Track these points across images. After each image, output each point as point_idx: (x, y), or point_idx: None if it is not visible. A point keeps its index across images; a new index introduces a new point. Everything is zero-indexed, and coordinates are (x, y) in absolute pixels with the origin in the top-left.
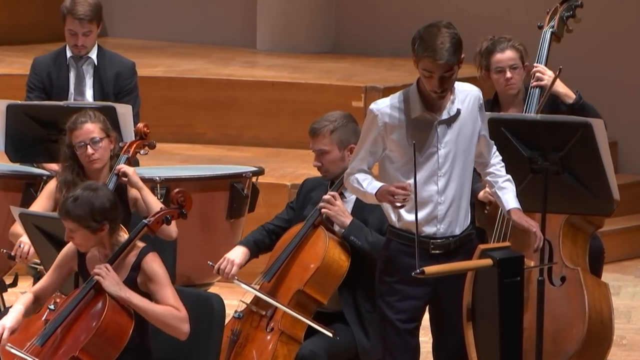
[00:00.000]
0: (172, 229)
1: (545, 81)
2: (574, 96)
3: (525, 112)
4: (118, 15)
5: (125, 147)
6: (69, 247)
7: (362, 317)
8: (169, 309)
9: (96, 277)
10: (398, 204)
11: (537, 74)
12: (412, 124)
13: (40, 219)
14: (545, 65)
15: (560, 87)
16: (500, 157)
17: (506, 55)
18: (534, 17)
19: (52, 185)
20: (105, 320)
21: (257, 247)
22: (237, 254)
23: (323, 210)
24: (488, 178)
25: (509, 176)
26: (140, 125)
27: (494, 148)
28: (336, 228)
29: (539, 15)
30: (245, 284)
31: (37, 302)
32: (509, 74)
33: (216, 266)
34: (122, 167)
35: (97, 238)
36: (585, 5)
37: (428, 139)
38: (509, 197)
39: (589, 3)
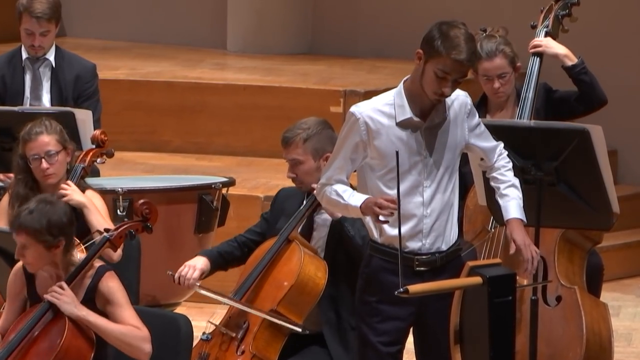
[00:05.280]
0: (115, 252)
1: (542, 47)
2: (575, 59)
3: (518, 116)
4: (77, 13)
5: (81, 156)
6: (14, 274)
7: (346, 334)
8: (129, 327)
9: (50, 299)
10: (382, 218)
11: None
12: (396, 129)
13: None
14: (539, 67)
15: (560, 49)
16: (508, 159)
17: (494, 64)
18: (524, 14)
19: (4, 202)
20: (64, 344)
21: (222, 259)
22: (198, 261)
23: None
24: (492, 183)
25: (513, 181)
26: (96, 132)
27: (498, 149)
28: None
29: (529, 12)
30: (212, 293)
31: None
32: (497, 84)
33: (177, 274)
34: (60, 191)
35: (50, 256)
36: (581, 3)
37: (413, 146)
38: (509, 205)
39: (585, 1)
